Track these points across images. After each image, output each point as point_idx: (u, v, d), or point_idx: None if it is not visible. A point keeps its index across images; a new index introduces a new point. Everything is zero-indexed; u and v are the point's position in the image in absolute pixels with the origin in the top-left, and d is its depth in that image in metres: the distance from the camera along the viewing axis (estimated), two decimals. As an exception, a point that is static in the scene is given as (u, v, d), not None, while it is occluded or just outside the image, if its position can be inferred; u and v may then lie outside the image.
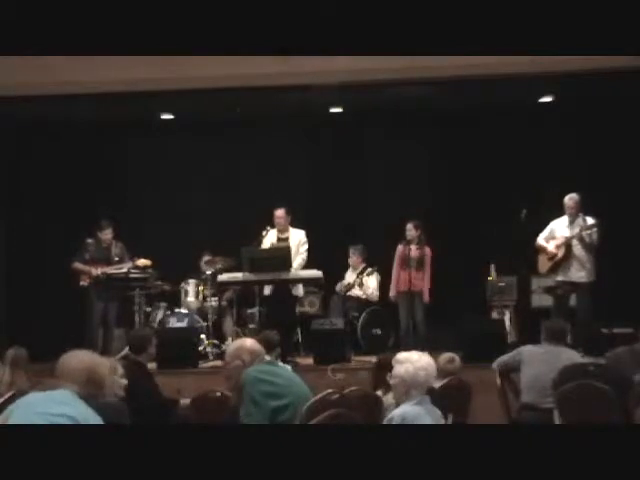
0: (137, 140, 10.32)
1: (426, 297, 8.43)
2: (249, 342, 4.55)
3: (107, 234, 8.57)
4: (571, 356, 5.58)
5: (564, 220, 8.02)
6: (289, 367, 5.43)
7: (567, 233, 7.92)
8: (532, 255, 8.27)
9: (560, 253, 7.90)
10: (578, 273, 7.88)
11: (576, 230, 7.86)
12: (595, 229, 7.76)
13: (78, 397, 3.06)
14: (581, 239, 7.82)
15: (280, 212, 8.19)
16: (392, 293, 8.61)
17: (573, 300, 8.12)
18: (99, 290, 8.44)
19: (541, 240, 8.09)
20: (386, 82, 8.23)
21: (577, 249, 7.87)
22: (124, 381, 4.48)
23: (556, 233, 8.02)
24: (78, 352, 3.25)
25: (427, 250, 8.54)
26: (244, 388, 4.20)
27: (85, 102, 8.69)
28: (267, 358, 4.59)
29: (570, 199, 7.94)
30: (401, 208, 9.43)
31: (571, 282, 7.94)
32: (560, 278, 8.01)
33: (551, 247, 7.96)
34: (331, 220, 9.91)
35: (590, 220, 7.84)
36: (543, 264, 8.13)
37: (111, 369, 4.42)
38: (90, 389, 3.12)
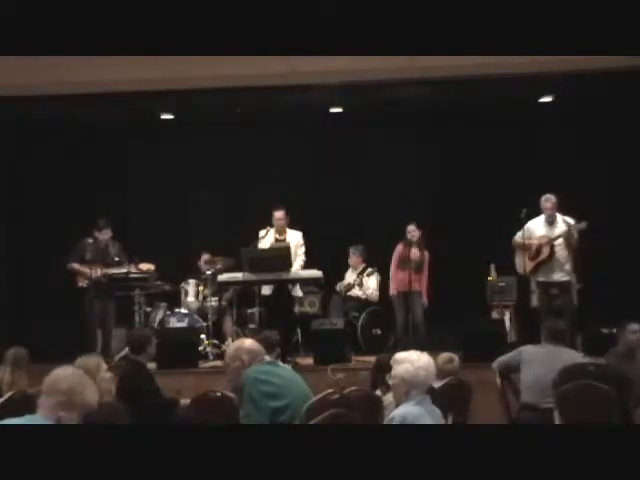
0: (137, 140, 10.32)
1: (425, 300, 8.49)
2: (248, 342, 4.56)
3: (106, 234, 8.40)
4: (571, 356, 5.58)
5: (541, 220, 7.95)
6: (289, 367, 5.43)
7: (545, 233, 7.86)
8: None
9: (544, 254, 7.84)
10: (559, 273, 7.84)
11: (559, 230, 7.78)
12: (582, 227, 7.68)
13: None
14: (567, 238, 7.73)
15: (280, 213, 8.17)
16: (392, 292, 8.62)
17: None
18: (97, 290, 8.28)
19: (519, 239, 7.91)
20: (386, 82, 8.23)
21: (559, 249, 7.80)
22: (109, 374, 4.49)
23: (535, 233, 7.93)
24: (65, 369, 3.07)
25: (426, 253, 8.58)
26: (244, 388, 4.20)
27: (85, 102, 8.69)
28: (267, 358, 4.58)
29: (547, 200, 7.87)
30: (401, 208, 9.43)
31: (552, 282, 7.89)
32: (541, 279, 7.94)
33: (534, 245, 7.83)
34: (331, 220, 9.90)
35: (571, 220, 7.78)
36: (524, 264, 7.96)
37: (96, 367, 4.44)
38: (68, 409, 3.02)
